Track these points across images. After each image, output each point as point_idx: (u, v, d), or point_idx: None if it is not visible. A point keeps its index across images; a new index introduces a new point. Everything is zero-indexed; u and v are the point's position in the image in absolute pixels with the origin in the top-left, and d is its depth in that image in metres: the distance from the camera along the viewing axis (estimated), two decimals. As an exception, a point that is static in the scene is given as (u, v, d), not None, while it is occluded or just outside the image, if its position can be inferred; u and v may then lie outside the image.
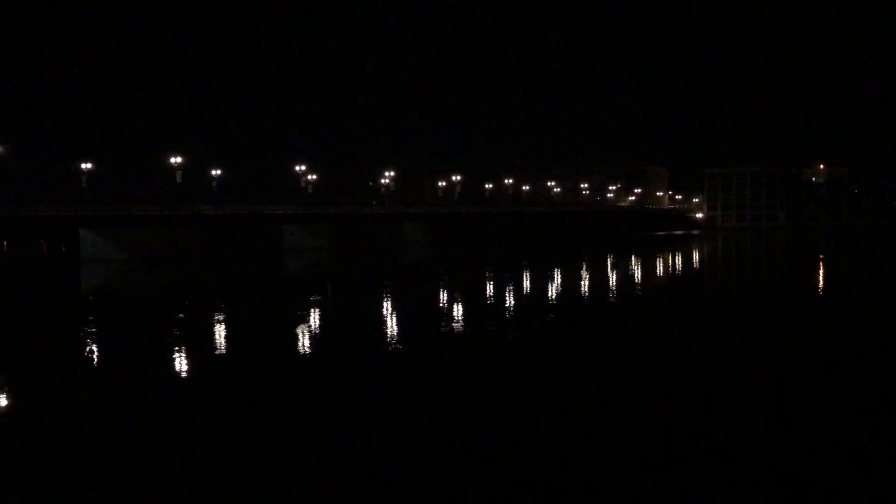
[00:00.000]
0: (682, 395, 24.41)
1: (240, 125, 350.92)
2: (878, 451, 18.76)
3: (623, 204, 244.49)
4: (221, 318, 45.80)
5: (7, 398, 25.60)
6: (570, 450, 19.13)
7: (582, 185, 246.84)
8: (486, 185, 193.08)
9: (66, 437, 21.07)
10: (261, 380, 27.83)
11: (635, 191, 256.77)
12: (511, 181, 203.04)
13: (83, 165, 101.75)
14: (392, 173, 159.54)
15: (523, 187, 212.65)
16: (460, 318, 43.86)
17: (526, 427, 21.04)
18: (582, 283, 67.19)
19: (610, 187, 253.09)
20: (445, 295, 57.85)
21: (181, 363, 31.79)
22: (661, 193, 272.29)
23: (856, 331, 37.71)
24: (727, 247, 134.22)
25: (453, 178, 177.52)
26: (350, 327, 41.56)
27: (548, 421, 21.61)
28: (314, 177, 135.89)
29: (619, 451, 18.86)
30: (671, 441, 19.61)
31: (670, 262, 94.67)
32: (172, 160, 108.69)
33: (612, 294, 57.07)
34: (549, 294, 57.63)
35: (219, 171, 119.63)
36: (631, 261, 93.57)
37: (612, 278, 70.63)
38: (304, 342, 36.45)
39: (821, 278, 71.24)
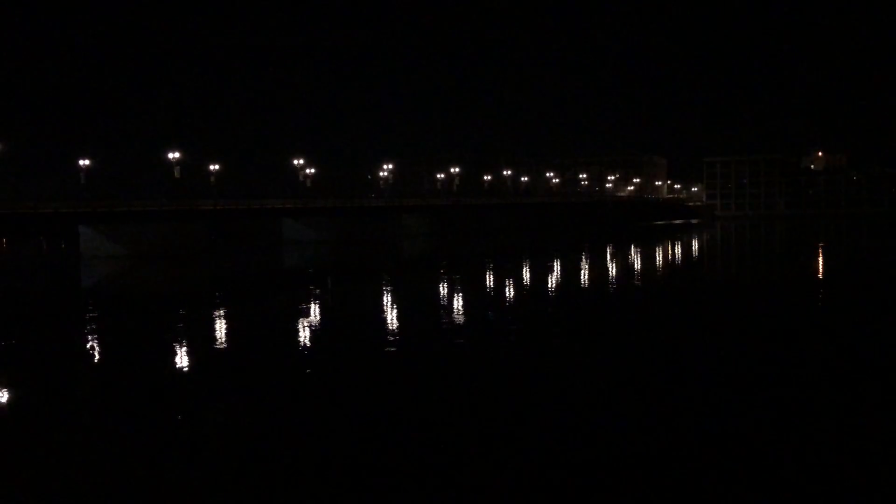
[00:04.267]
0: (682, 394, 24.42)
1: (237, 120, 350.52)
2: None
3: (622, 194, 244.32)
4: (222, 313, 45.79)
5: (7, 395, 25.58)
6: (569, 448, 19.16)
7: (581, 176, 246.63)
8: (485, 177, 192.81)
9: (66, 434, 21.06)
10: (261, 375, 27.82)
11: (634, 181, 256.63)
12: (510, 172, 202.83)
13: (81, 162, 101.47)
14: (391, 166, 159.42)
15: (522, 178, 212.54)
16: (461, 309, 43.84)
17: (528, 422, 21.06)
18: (582, 273, 67.19)
19: (609, 177, 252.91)
20: (446, 286, 57.83)
21: (182, 359, 31.80)
22: (660, 183, 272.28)
23: (855, 320, 37.72)
24: (727, 236, 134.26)
25: (452, 170, 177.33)
26: (349, 321, 41.54)
27: (549, 416, 21.63)
28: (312, 170, 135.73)
29: (621, 453, 18.88)
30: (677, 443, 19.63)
31: (670, 251, 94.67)
32: (170, 156, 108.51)
33: (613, 284, 57.08)
34: (550, 285, 57.63)
35: (217, 166, 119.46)
36: (631, 250, 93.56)
37: (613, 268, 70.63)
38: (304, 336, 36.45)
39: (820, 266, 71.26)
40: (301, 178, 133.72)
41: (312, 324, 40.04)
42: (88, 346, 35.38)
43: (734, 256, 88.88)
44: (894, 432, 19.10)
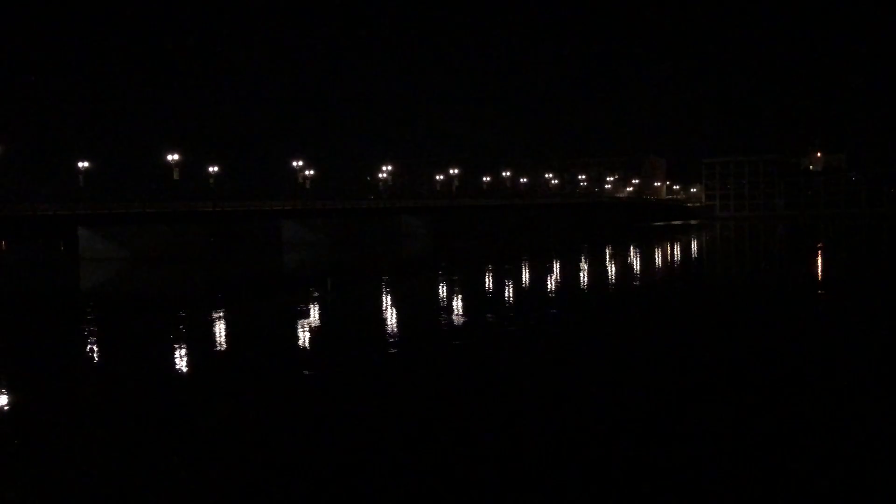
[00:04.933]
0: (681, 394, 24.47)
1: (237, 120, 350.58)
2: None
3: (621, 195, 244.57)
4: (222, 314, 45.79)
5: (7, 397, 25.60)
6: (568, 451, 19.20)
7: (580, 177, 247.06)
8: (484, 178, 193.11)
9: (66, 436, 21.09)
10: (261, 377, 27.84)
11: (633, 182, 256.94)
12: (509, 174, 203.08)
13: (80, 164, 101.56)
14: (390, 167, 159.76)
15: (521, 179, 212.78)
16: (460, 310, 43.86)
17: (529, 426, 21.10)
18: (581, 274, 67.25)
19: (608, 178, 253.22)
20: (445, 288, 57.86)
21: (183, 361, 31.82)
22: (659, 184, 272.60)
23: (853, 320, 37.77)
24: (726, 236, 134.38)
25: (451, 171, 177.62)
26: (348, 322, 41.57)
27: (548, 416, 21.67)
28: (312, 172, 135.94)
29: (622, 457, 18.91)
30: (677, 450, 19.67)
31: (669, 252, 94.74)
32: (169, 157, 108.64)
33: (612, 285, 57.12)
34: (549, 287, 57.66)
35: (216, 168, 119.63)
36: (630, 252, 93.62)
37: (612, 270, 70.68)
38: (303, 338, 36.47)
39: (819, 266, 71.31)
40: (300, 179, 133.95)
41: (312, 325, 40.06)
42: (88, 348, 35.40)
43: (733, 257, 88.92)
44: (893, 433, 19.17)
